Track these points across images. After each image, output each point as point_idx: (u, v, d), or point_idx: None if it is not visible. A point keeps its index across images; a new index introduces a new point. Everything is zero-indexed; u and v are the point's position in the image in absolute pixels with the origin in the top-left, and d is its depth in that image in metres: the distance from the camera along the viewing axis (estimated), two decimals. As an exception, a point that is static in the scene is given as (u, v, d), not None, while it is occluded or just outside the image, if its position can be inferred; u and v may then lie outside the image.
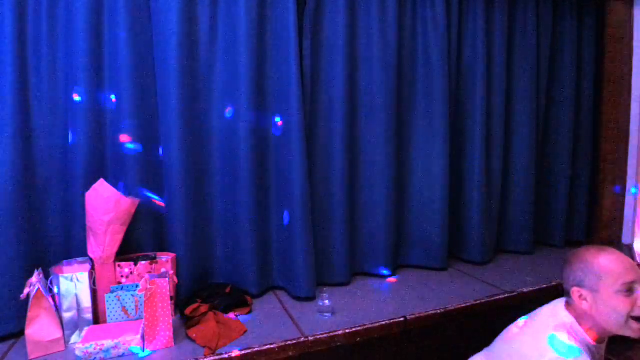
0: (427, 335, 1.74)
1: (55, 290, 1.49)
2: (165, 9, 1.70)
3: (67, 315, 1.47)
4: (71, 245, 1.69)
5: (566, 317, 1.12)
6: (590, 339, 1.09)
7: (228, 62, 1.83)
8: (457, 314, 1.73)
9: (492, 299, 1.82)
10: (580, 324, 1.10)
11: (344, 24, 1.94)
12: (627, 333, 1.04)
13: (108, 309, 1.54)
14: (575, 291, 1.10)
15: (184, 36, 1.73)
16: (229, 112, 1.85)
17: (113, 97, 1.72)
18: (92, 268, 1.58)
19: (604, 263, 1.04)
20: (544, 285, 1.95)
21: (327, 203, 2.01)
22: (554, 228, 2.62)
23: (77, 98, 1.64)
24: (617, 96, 2.54)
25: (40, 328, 1.38)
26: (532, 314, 1.24)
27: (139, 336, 1.41)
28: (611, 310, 1.02)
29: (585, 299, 1.08)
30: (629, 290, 1.01)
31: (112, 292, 1.55)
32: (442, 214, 2.19)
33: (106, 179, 1.63)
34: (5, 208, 1.51)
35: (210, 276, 1.92)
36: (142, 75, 1.74)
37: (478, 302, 1.78)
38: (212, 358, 1.37)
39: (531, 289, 1.92)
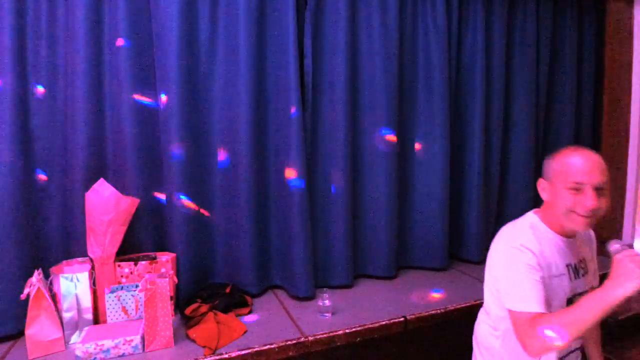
0: (427, 335, 1.73)
1: (55, 290, 1.49)
2: (165, 6, 1.70)
3: (67, 315, 1.47)
4: (71, 245, 1.69)
5: (529, 216, 1.22)
6: (555, 233, 1.16)
7: (228, 62, 1.83)
8: (457, 314, 1.73)
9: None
10: (544, 220, 1.18)
11: (345, 24, 1.94)
12: (570, 225, 1.11)
13: (108, 309, 1.54)
14: (540, 182, 1.20)
15: (183, 36, 1.73)
16: (228, 111, 1.85)
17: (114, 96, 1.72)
18: (92, 268, 1.57)
19: (565, 161, 1.12)
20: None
21: (328, 204, 2.01)
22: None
23: (77, 98, 1.65)
24: (617, 96, 2.54)
25: (40, 328, 1.38)
26: None
27: (139, 336, 1.41)
28: (559, 202, 1.11)
29: (545, 190, 1.18)
30: (576, 189, 1.08)
31: (112, 292, 1.55)
32: (443, 214, 2.19)
33: (106, 178, 1.64)
34: (5, 208, 1.51)
35: (210, 276, 1.92)
36: (142, 77, 1.74)
37: (478, 302, 1.78)
38: (212, 358, 1.37)
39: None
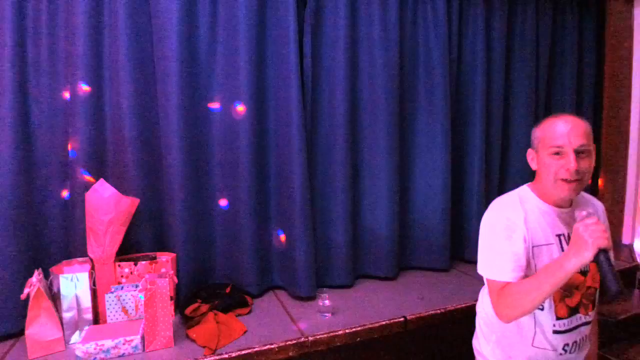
0: (427, 335, 1.73)
1: (55, 290, 1.49)
2: (165, 10, 1.70)
3: (67, 315, 1.47)
4: (71, 245, 1.69)
5: (520, 188, 1.23)
6: (545, 203, 1.16)
7: (228, 62, 1.83)
8: (457, 314, 1.73)
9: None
10: (535, 191, 1.18)
11: (345, 24, 1.94)
12: (558, 193, 1.11)
13: (108, 309, 1.54)
14: (529, 152, 1.22)
15: (183, 36, 1.73)
16: (228, 111, 1.85)
17: (114, 96, 1.72)
18: (92, 268, 1.57)
19: (546, 127, 1.13)
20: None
21: (328, 204, 2.01)
22: (554, 228, 2.62)
23: (77, 97, 1.65)
24: (617, 96, 2.54)
25: (40, 328, 1.38)
26: None
27: (139, 336, 1.41)
28: (545, 169, 1.12)
29: (533, 160, 1.19)
30: (557, 153, 1.09)
31: (112, 292, 1.55)
32: (444, 215, 2.19)
33: (106, 179, 1.64)
34: (5, 208, 1.51)
35: (210, 276, 1.92)
36: (142, 77, 1.74)
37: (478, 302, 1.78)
38: (212, 358, 1.37)
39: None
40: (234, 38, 1.81)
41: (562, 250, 1.12)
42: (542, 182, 1.16)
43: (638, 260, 2.37)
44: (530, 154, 1.22)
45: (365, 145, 2.08)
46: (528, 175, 1.26)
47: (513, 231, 1.10)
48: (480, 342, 1.30)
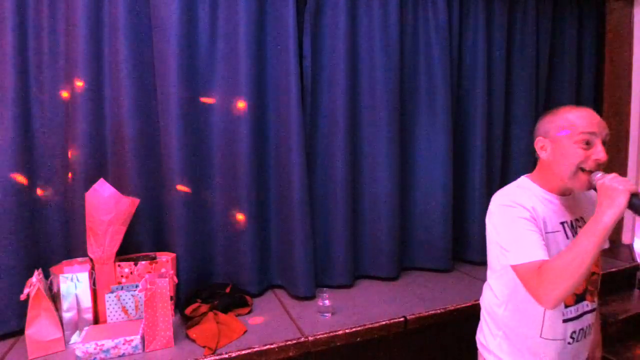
0: (427, 335, 1.73)
1: (55, 290, 1.49)
2: (165, 6, 1.70)
3: (67, 315, 1.47)
4: (71, 245, 1.69)
5: (519, 179, 1.20)
6: (547, 191, 1.14)
7: (228, 61, 1.83)
8: (457, 314, 1.73)
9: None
10: (536, 181, 1.16)
11: (345, 24, 1.94)
12: (575, 184, 1.08)
13: (108, 309, 1.54)
14: (538, 140, 1.16)
15: (182, 36, 1.73)
16: (228, 111, 1.85)
17: (114, 96, 1.72)
18: (92, 268, 1.57)
19: (572, 115, 1.09)
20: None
21: (328, 204, 2.01)
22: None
23: (77, 97, 1.65)
24: (617, 96, 2.54)
25: (40, 328, 1.38)
26: None
27: (139, 336, 1.41)
28: (565, 159, 1.07)
29: (545, 149, 1.13)
30: (587, 142, 1.05)
31: (112, 292, 1.55)
32: (446, 215, 2.19)
33: (106, 178, 1.64)
34: (5, 208, 1.51)
35: (210, 276, 1.92)
36: (142, 77, 1.74)
37: (478, 302, 1.77)
38: (212, 358, 1.37)
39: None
40: (234, 37, 1.81)
41: (567, 237, 1.12)
42: (552, 172, 1.12)
43: (638, 260, 2.37)
44: (540, 142, 1.15)
45: (365, 144, 2.07)
46: (529, 171, 1.25)
47: (526, 214, 1.07)
48: (486, 336, 1.28)
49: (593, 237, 0.92)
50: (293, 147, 1.85)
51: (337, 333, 1.54)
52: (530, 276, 1.00)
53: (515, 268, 1.05)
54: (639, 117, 2.47)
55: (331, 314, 1.68)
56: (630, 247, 2.56)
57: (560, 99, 2.55)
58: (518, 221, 1.06)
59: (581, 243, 0.93)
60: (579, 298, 1.13)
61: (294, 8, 1.83)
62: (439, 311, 1.71)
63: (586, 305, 1.15)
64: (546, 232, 1.10)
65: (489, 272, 1.28)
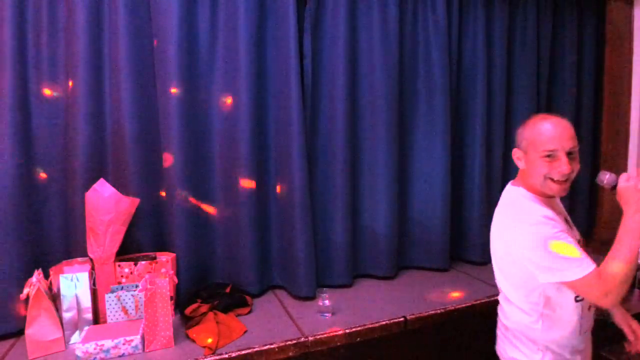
0: (427, 335, 1.73)
1: (55, 290, 1.49)
2: (165, 10, 1.70)
3: (67, 315, 1.47)
4: (71, 245, 1.69)
5: (515, 190, 1.24)
6: (535, 195, 1.20)
7: (228, 61, 1.83)
8: (457, 314, 1.73)
9: (492, 298, 1.81)
10: (527, 188, 1.21)
11: (345, 24, 1.94)
12: (547, 191, 1.16)
13: (108, 309, 1.54)
14: (515, 151, 1.24)
15: (182, 36, 1.73)
16: (228, 111, 1.85)
17: (114, 96, 1.72)
18: (92, 268, 1.57)
19: (536, 129, 1.15)
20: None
21: (328, 203, 2.01)
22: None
23: (77, 97, 1.65)
24: (617, 96, 2.54)
25: (40, 328, 1.38)
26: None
27: (139, 336, 1.41)
28: (534, 171, 1.15)
29: (521, 159, 1.22)
30: (549, 156, 1.12)
31: (112, 292, 1.55)
32: (444, 214, 2.19)
33: (106, 178, 1.64)
34: (5, 208, 1.51)
35: (210, 276, 1.92)
36: (142, 77, 1.74)
37: (478, 302, 1.78)
38: (212, 358, 1.37)
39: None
40: (234, 37, 1.81)
41: (571, 228, 1.20)
42: (530, 179, 1.19)
43: (638, 260, 2.37)
44: (516, 153, 1.23)
45: (364, 144, 2.07)
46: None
47: (557, 226, 1.11)
48: (528, 356, 1.26)
49: (635, 232, 1.03)
50: (293, 147, 1.85)
51: (337, 333, 1.54)
52: (592, 286, 1.06)
53: (572, 283, 1.08)
54: (639, 117, 2.47)
55: (331, 314, 1.68)
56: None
57: (560, 99, 2.55)
58: (556, 236, 1.09)
59: (626, 240, 1.04)
60: None
61: (295, 8, 1.83)
62: (438, 311, 1.71)
63: None
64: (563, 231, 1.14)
65: (510, 293, 1.27)
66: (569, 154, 1.12)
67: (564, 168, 1.10)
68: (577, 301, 1.18)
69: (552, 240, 1.08)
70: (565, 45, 2.53)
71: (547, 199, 1.20)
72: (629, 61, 2.49)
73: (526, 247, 1.13)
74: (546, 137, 1.12)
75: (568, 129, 1.13)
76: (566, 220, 1.23)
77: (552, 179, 1.13)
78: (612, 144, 2.54)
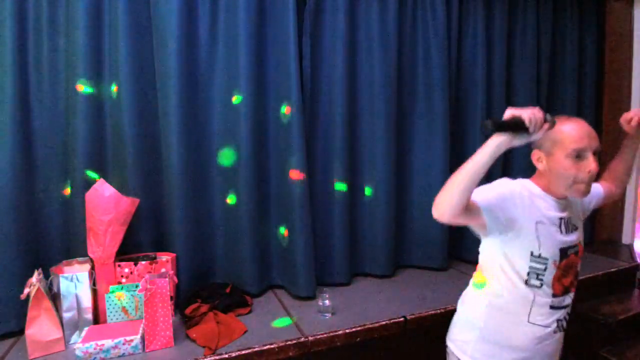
0: (427, 335, 1.73)
1: (55, 290, 1.49)
2: (165, 11, 1.70)
3: (67, 315, 1.47)
4: (71, 245, 1.69)
5: (522, 180, 1.25)
6: (547, 194, 1.19)
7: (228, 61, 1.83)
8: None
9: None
10: (537, 183, 1.21)
11: (344, 24, 1.94)
12: (573, 194, 1.14)
13: (108, 309, 1.54)
14: (534, 153, 1.21)
15: (182, 37, 1.72)
16: (228, 111, 1.85)
17: (114, 96, 1.72)
18: (92, 268, 1.57)
19: (561, 130, 1.13)
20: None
21: (327, 203, 2.01)
22: (554, 228, 2.62)
23: (77, 97, 1.65)
24: (617, 97, 2.54)
25: (40, 328, 1.38)
26: None
27: (139, 336, 1.41)
28: (561, 172, 1.13)
29: (541, 161, 1.19)
30: (578, 156, 1.10)
31: (112, 292, 1.55)
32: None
33: (106, 178, 1.64)
34: (5, 208, 1.51)
35: (210, 276, 1.92)
36: (142, 76, 1.74)
37: (478, 302, 1.78)
38: (212, 358, 1.37)
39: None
40: (234, 37, 1.81)
41: (561, 232, 1.17)
42: (550, 180, 1.17)
43: (638, 260, 2.37)
44: (536, 155, 1.21)
45: (363, 144, 2.07)
46: (530, 174, 1.27)
47: (513, 192, 1.14)
48: (461, 337, 1.32)
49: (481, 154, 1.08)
50: (293, 147, 1.85)
51: (337, 333, 1.54)
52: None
53: None
54: (639, 117, 2.47)
55: (331, 314, 1.68)
56: (630, 247, 2.57)
57: (561, 100, 2.55)
58: (500, 184, 1.17)
59: (471, 161, 1.10)
60: (565, 290, 1.18)
61: (294, 8, 1.83)
62: (438, 311, 1.71)
63: (569, 297, 1.20)
64: (540, 222, 1.14)
65: (480, 262, 1.34)
66: (595, 153, 1.11)
67: (593, 166, 1.09)
68: (538, 287, 1.15)
69: (497, 183, 1.17)
70: (565, 45, 2.53)
71: (556, 198, 1.19)
72: (629, 61, 2.49)
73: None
74: (574, 136, 1.11)
75: (592, 129, 1.13)
76: (566, 222, 1.20)
77: (578, 181, 1.11)
78: (612, 144, 2.54)
